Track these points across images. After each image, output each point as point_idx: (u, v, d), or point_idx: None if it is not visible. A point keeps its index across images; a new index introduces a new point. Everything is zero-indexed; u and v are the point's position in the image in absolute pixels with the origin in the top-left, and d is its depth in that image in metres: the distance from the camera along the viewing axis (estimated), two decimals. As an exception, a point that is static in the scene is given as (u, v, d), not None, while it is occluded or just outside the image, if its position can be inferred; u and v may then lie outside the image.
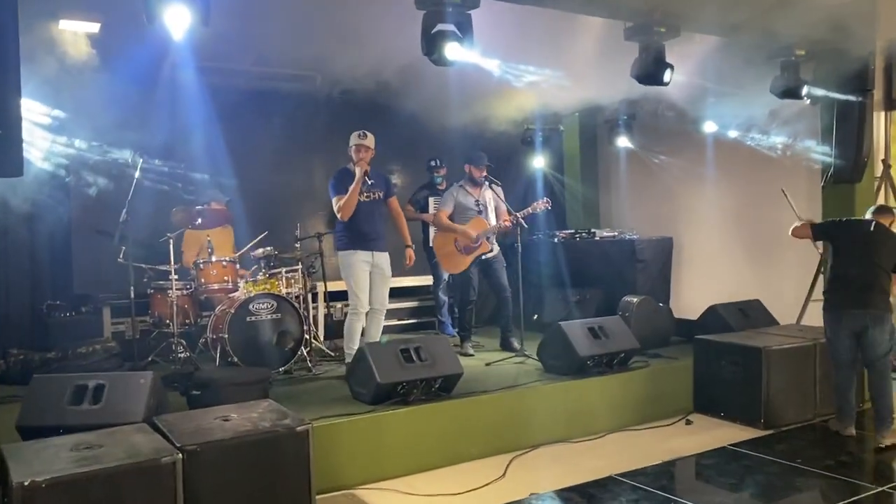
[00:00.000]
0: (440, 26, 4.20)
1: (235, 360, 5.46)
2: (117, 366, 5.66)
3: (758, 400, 5.42)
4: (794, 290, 7.39)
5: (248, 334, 5.58)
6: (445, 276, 7.55)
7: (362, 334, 5.78)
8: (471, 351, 6.61)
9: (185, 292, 5.87)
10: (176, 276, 5.73)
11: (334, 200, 5.62)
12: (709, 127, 7.66)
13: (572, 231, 7.82)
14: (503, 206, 6.63)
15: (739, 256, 8.02)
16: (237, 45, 6.44)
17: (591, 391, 5.44)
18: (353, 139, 5.68)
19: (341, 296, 6.97)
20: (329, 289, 6.99)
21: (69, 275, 6.98)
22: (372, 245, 5.66)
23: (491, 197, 6.63)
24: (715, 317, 6.53)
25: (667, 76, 5.02)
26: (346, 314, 7.44)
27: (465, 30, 4.25)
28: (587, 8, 5.03)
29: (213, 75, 7.11)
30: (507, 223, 6.42)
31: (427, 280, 7.92)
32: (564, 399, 5.30)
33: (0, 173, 2.99)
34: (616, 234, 7.66)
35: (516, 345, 6.58)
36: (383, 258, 5.74)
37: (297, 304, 5.84)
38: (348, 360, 5.64)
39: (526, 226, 6.37)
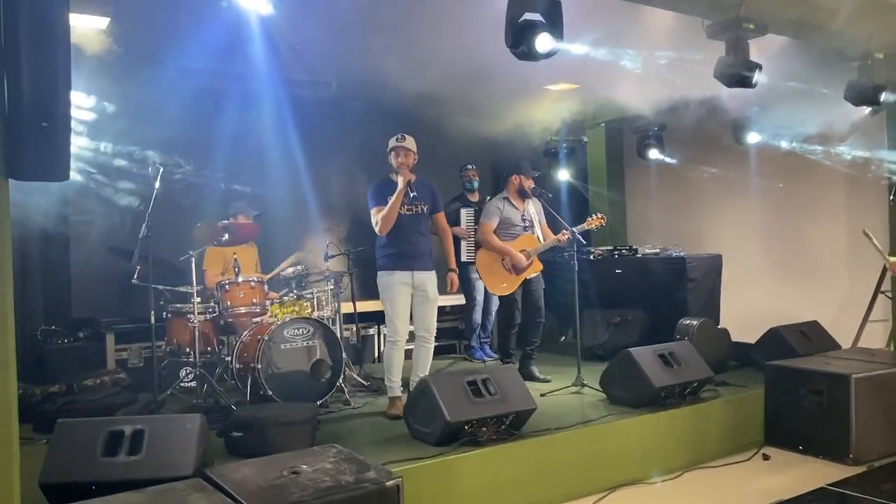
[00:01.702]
0: (528, 16, 3.68)
1: (270, 393, 4.84)
2: (130, 401, 5.01)
3: (845, 433, 4.93)
4: (838, 311, 7.02)
5: (282, 364, 4.98)
6: (480, 297, 7.01)
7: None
8: None
9: (207, 317, 5.23)
10: (198, 299, 5.10)
11: (372, 213, 5.02)
12: (752, 137, 7.26)
13: (610, 248, 7.32)
14: (545, 221, 6.14)
15: (780, 275, 7.63)
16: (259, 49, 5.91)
17: (666, 425, 4.92)
18: (391, 142, 5.11)
19: (362, 318, 6.42)
20: (351, 310, 6.39)
21: (67, 296, 6.31)
22: (412, 264, 4.99)
23: (534, 210, 6.11)
24: (777, 340, 6.08)
25: (755, 77, 4.57)
26: (362, 338, 6.93)
27: (554, 19, 3.74)
28: (667, 2, 4.58)
29: (226, 80, 6.56)
30: (564, 239, 5.87)
31: (453, 300, 7.37)
32: (640, 435, 4.78)
33: (44, 176, 2.39)
34: (659, 250, 7.18)
35: (538, 374, 6.03)
36: (427, 278, 5.06)
37: (334, 329, 5.24)
38: (390, 392, 5.06)
39: (584, 242, 5.86)
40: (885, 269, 6.52)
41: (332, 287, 5.78)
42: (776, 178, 7.54)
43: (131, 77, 5.24)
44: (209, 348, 5.28)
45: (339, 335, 5.27)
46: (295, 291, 5.48)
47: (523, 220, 6.02)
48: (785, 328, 6.16)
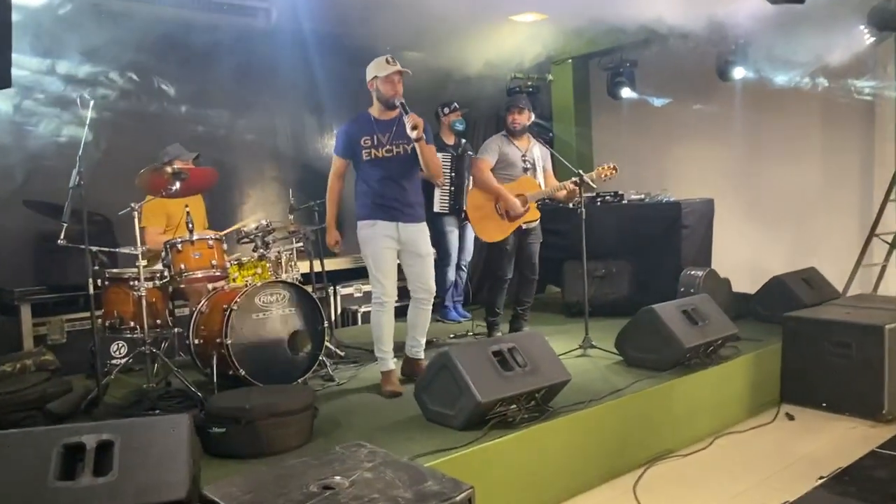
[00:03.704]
0: None
1: (242, 373, 4.03)
2: (65, 389, 4.07)
3: (878, 388, 4.56)
4: (815, 254, 6.72)
5: (255, 338, 4.16)
6: (454, 253, 6.31)
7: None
8: None
9: (156, 283, 4.31)
10: (144, 262, 4.16)
11: (334, 160, 4.36)
12: (738, 73, 6.76)
13: (592, 194, 6.72)
14: (550, 168, 5.51)
15: (758, 218, 7.27)
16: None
17: (694, 389, 4.42)
18: (378, 67, 4.17)
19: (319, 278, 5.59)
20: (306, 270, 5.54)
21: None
22: (398, 214, 4.23)
23: (539, 155, 5.45)
24: (780, 289, 5.69)
25: (806, -7, 3.98)
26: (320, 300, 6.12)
27: None
28: None
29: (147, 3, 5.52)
30: (570, 188, 5.24)
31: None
32: (669, 402, 4.26)
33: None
34: (644, 196, 6.64)
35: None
36: (416, 232, 4.30)
37: (312, 294, 4.43)
38: (382, 365, 4.32)
39: (595, 186, 5.24)
40: (880, 212, 6.21)
41: (299, 245, 4.95)
42: (759, 118, 7.12)
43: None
44: (158, 321, 4.37)
45: (316, 300, 4.45)
46: (260, 250, 4.62)
47: (524, 160, 5.35)
48: (787, 276, 5.77)
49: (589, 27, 6.73)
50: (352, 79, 6.75)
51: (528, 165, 5.34)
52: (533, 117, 5.49)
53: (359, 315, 6.80)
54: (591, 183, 5.12)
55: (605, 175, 5.20)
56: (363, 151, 4.21)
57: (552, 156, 5.63)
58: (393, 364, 4.31)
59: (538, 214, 5.36)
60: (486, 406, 3.39)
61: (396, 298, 4.30)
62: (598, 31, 6.85)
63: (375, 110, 4.29)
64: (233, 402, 3.32)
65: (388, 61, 4.17)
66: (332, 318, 6.65)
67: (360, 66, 6.76)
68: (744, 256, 7.04)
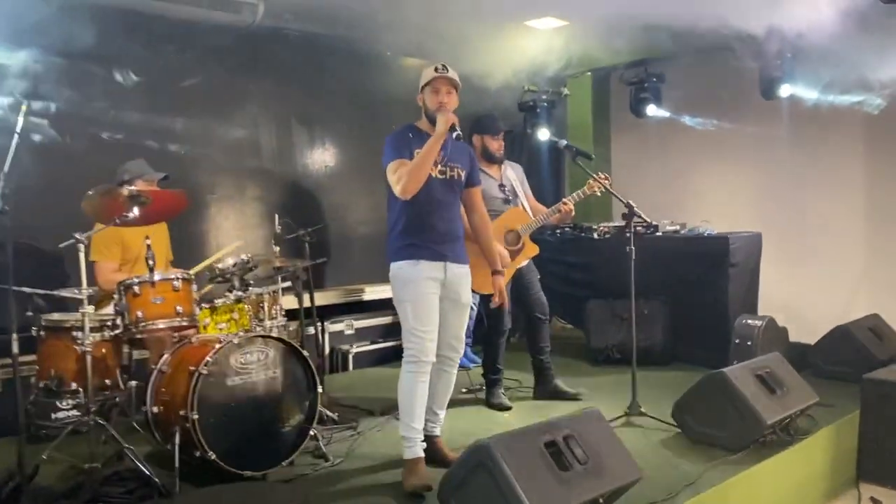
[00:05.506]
0: None
1: (212, 457, 3.12)
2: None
3: None
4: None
5: (230, 409, 3.25)
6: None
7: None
8: (507, 402, 4.62)
9: (106, 335, 3.39)
10: (91, 308, 3.26)
11: (390, 168, 3.33)
12: (784, 90, 5.99)
13: (621, 224, 5.91)
14: (528, 188, 4.84)
15: (805, 256, 6.47)
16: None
17: (775, 474, 3.59)
18: (426, 74, 3.41)
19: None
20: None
21: None
22: (446, 252, 3.41)
23: (515, 177, 4.73)
24: (846, 341, 4.91)
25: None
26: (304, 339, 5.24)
27: None
28: None
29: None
30: (567, 209, 4.57)
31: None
32: (751, 490, 3.42)
33: None
34: (679, 227, 5.83)
35: (565, 388, 4.69)
36: (462, 276, 3.50)
37: (303, 351, 3.53)
38: (408, 451, 3.33)
39: (648, 220, 4.44)
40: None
41: (286, 284, 4.06)
42: (803, 141, 6.36)
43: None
44: (107, 381, 3.45)
45: (308, 358, 3.55)
46: (237, 292, 3.73)
47: (502, 189, 4.62)
48: (852, 326, 4.98)
49: (618, 36, 5.96)
50: (348, 86, 6.02)
51: (509, 195, 4.63)
52: None
53: (350, 357, 5.93)
54: (643, 215, 4.28)
55: (599, 188, 4.54)
56: None
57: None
58: (422, 451, 3.38)
59: (537, 249, 4.60)
60: (540, 522, 2.53)
61: (435, 360, 3.42)
62: (624, 41, 6.06)
63: (423, 124, 3.48)
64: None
65: (437, 69, 3.38)
66: (320, 361, 5.76)
67: (357, 71, 5.99)
68: (787, 298, 6.24)
